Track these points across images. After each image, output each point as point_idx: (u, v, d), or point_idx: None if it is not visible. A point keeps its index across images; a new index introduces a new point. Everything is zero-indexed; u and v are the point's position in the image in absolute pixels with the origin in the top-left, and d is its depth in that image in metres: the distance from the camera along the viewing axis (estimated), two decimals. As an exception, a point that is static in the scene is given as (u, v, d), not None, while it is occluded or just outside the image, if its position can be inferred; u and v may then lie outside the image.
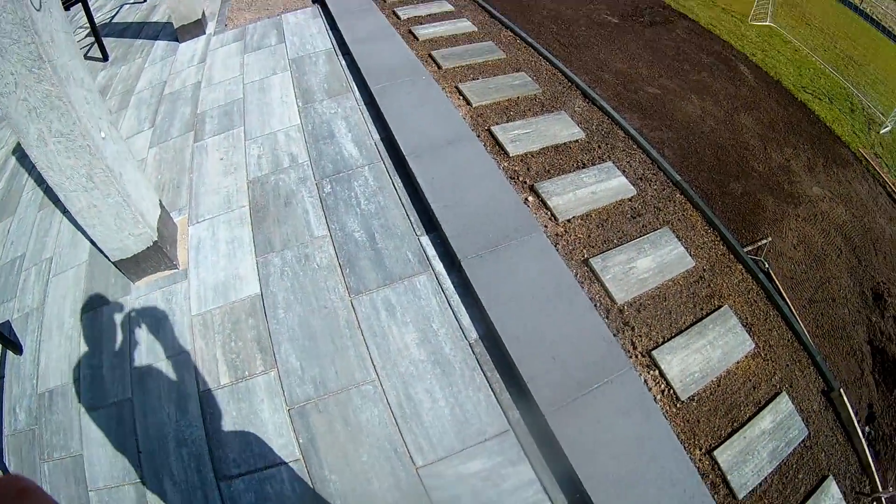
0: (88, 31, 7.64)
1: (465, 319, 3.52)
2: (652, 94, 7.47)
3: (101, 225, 3.53)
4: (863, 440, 3.73)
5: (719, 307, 3.94)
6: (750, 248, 5.20)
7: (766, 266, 5.04)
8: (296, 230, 4.20)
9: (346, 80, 5.58)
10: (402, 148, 4.53)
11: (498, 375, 3.27)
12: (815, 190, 6.75)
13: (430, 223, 4.10)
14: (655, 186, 4.81)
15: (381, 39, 6.17)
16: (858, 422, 3.93)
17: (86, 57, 7.66)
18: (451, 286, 3.71)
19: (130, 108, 6.20)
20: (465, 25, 7.40)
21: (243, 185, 4.66)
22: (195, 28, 7.25)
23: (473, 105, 5.55)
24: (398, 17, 7.65)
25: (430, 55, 6.53)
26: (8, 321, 4.10)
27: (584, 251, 4.18)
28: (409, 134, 4.68)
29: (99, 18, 9.30)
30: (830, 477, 3.46)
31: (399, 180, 4.50)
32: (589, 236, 4.29)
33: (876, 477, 3.63)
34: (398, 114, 4.91)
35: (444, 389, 3.19)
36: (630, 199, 4.60)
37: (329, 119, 5.11)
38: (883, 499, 3.57)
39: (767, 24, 11.78)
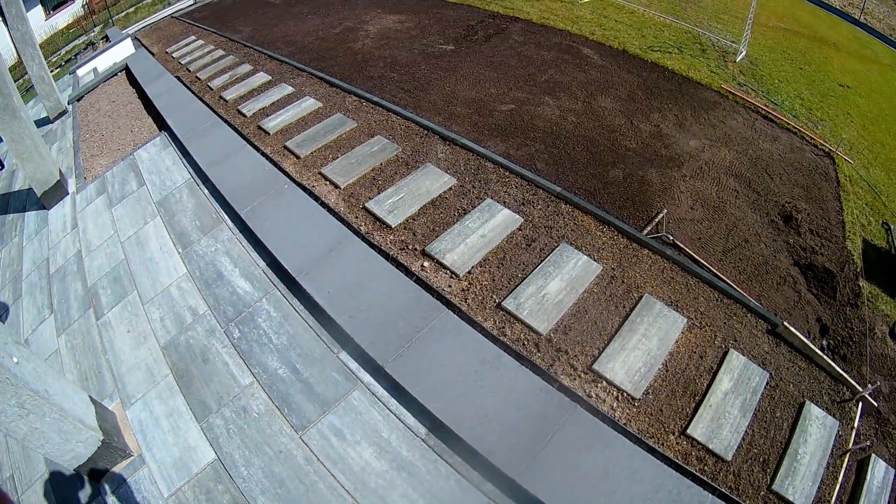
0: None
1: (409, 419, 3.84)
2: (507, 111, 7.56)
3: (48, 443, 3.69)
4: (824, 356, 4.04)
5: (640, 298, 4.20)
6: (649, 227, 5.14)
7: (671, 238, 5.03)
8: (224, 385, 4.42)
9: (214, 211, 5.88)
10: (289, 269, 4.86)
11: (459, 458, 3.57)
12: (692, 144, 6.85)
13: (343, 338, 4.36)
14: (539, 206, 5.05)
15: (234, 153, 6.48)
16: (813, 340, 4.32)
17: None
18: (385, 392, 4.00)
19: (25, 295, 6.28)
20: (309, 104, 7.69)
21: (158, 353, 4.88)
22: (57, 191, 7.34)
23: (342, 186, 5.83)
24: (244, 116, 7.84)
25: (285, 147, 6.80)
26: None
27: (494, 296, 4.41)
28: (292, 251, 5.01)
29: None
30: (807, 401, 3.76)
31: (299, 303, 4.81)
32: (493, 280, 4.53)
33: (851, 381, 3.94)
34: (274, 234, 5.24)
35: (417, 489, 3.49)
36: (520, 228, 4.86)
37: (212, 259, 5.41)
38: (866, 395, 3.84)
39: None
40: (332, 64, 9.45)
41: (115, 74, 10.80)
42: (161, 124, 8.13)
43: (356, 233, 5.11)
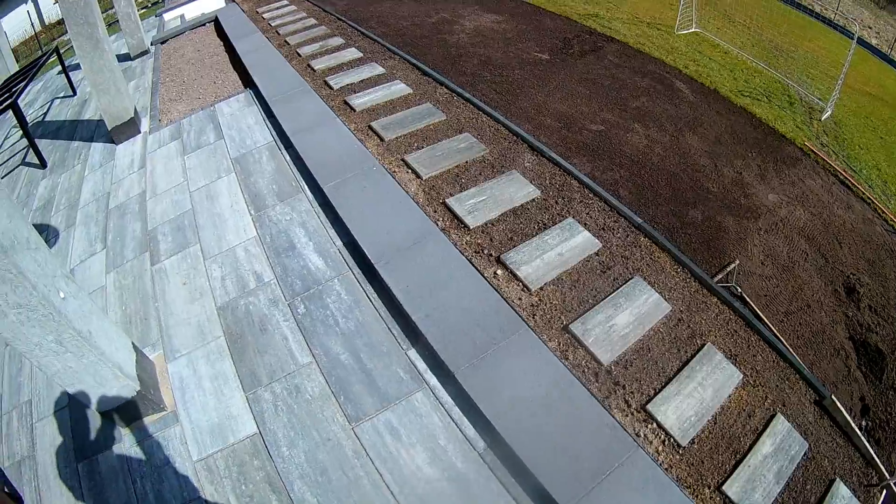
0: (22, 134, 7.34)
1: (470, 430, 3.53)
2: (596, 131, 7.31)
3: (80, 384, 3.43)
4: (861, 436, 3.84)
5: (702, 346, 4.00)
6: (720, 276, 5.08)
7: (739, 290, 4.94)
8: (279, 359, 4.10)
9: (294, 179, 5.56)
10: (368, 255, 4.53)
11: (513, 480, 3.30)
12: (770, 198, 6.66)
13: (415, 335, 4.06)
14: (619, 234, 4.76)
15: (321, 125, 6.18)
16: (854, 418, 4.08)
17: (23, 163, 7.55)
18: (450, 399, 3.70)
19: (78, 225, 6.04)
20: (399, 88, 7.36)
21: (213, 312, 4.56)
22: (129, 128, 7.09)
23: (424, 178, 5.49)
24: (331, 88, 7.55)
25: (370, 127, 6.46)
26: (2, 471, 3.89)
27: (563, 317, 4.16)
28: (372, 236, 4.69)
29: (30, 116, 9.01)
30: (838, 479, 3.59)
31: (373, 290, 4.47)
32: (564, 301, 4.28)
33: (881, 466, 3.75)
34: (356, 214, 4.92)
35: (464, 503, 3.21)
36: (597, 254, 4.57)
37: (286, 228, 5.08)
38: (892, 485, 3.69)
39: (694, 30, 11.69)
40: (426, 52, 9.20)
41: (204, 25, 10.61)
42: (246, 81, 7.86)
43: (439, 231, 4.77)
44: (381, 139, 6.20)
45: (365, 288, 4.50)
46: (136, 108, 7.39)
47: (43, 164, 7.51)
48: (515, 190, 5.20)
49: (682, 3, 11.38)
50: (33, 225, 5.69)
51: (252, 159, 5.97)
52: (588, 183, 5.30)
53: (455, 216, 4.99)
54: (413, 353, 4.01)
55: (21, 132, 7.48)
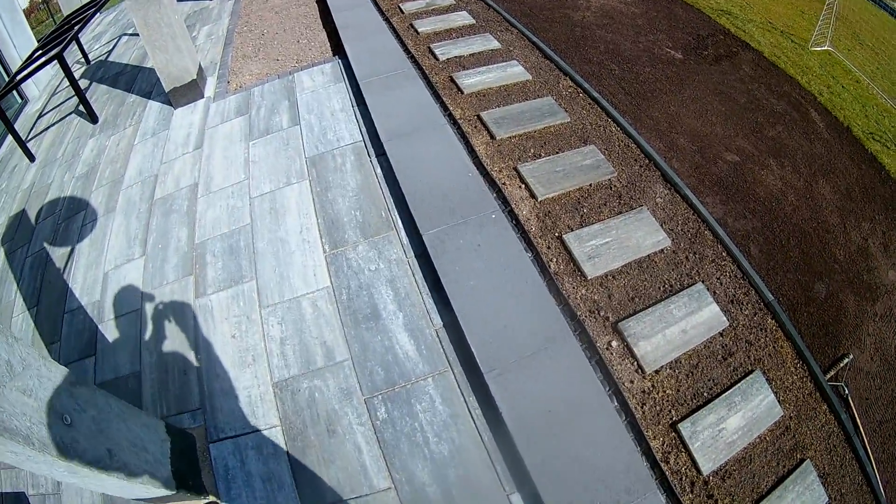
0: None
1: None
2: (730, 162, 6.28)
3: (103, 488, 2.62)
4: None
5: (801, 462, 3.57)
6: (831, 372, 4.37)
7: (846, 392, 4.31)
8: (349, 476, 3.10)
9: (385, 207, 4.25)
10: (476, 356, 3.31)
11: None
12: (890, 276, 5.70)
13: (523, 479, 3.02)
14: (747, 311, 4.10)
15: (424, 128, 4.85)
16: None
17: (76, 111, 6.82)
18: None
19: (118, 213, 5.04)
20: (517, 72, 6.08)
21: (268, 388, 3.49)
22: (190, 91, 5.83)
23: (539, 198, 4.45)
24: (435, 58, 6.33)
25: (479, 118, 5.29)
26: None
27: (673, 412, 3.56)
28: (484, 326, 3.45)
29: (97, 50, 8.34)
30: None
31: (476, 405, 3.28)
32: (678, 391, 3.65)
33: None
34: (465, 288, 3.64)
35: None
36: (721, 334, 3.89)
37: (369, 282, 3.84)
38: None
39: (827, 48, 10.52)
40: (546, 29, 7.89)
41: None
42: (336, 46, 6.48)
43: (543, 269, 3.85)
44: (492, 136, 5.08)
45: (468, 400, 3.32)
46: (200, 66, 6.08)
47: (94, 119, 6.50)
48: (644, 235, 4.29)
49: (822, 17, 10.56)
50: (72, 197, 5.40)
51: (332, 164, 4.64)
52: (722, 237, 4.54)
53: (572, 258, 4.08)
54: (516, 498, 3.03)
55: (71, 84, 6.26)
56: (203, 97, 5.98)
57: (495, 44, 6.78)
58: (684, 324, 3.81)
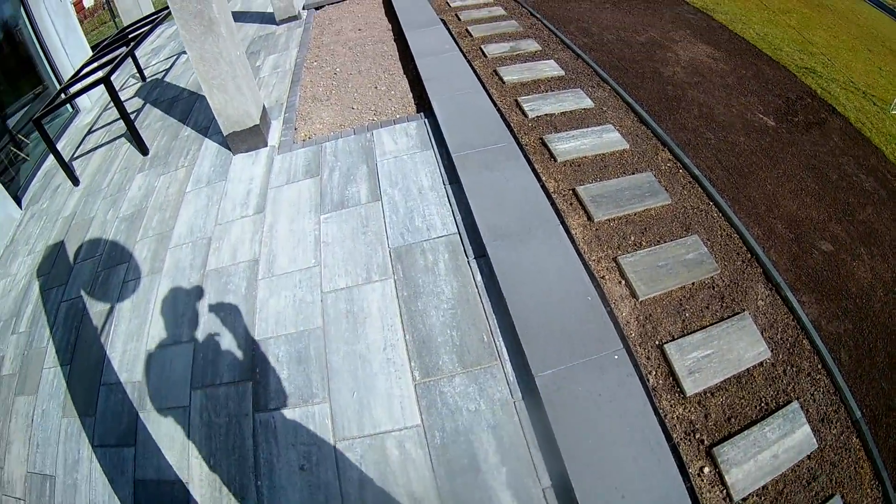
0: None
1: None
2: (825, 253, 5.95)
3: None
4: None
5: None
6: None
7: None
8: None
9: (487, 328, 3.59)
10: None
11: None
12: None
13: None
14: (835, 430, 3.87)
15: (534, 230, 4.09)
16: None
17: (125, 136, 6.32)
18: None
19: (165, 276, 4.49)
20: (613, 139, 5.57)
21: None
22: (252, 137, 5.19)
23: (641, 298, 4.00)
24: (524, 114, 5.90)
25: (575, 194, 4.87)
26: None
27: None
28: (600, 494, 2.83)
29: (154, 66, 7.97)
30: None
31: None
32: None
33: None
34: (581, 448, 2.99)
35: None
36: (809, 457, 3.64)
37: (468, 426, 3.17)
38: None
39: None
40: (638, 86, 7.44)
41: None
42: (420, 98, 5.76)
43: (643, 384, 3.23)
44: (590, 217, 4.64)
45: None
46: (265, 108, 5.42)
47: (144, 151, 5.98)
48: (746, 346, 3.89)
49: (903, 81, 9.86)
50: (114, 242, 5.04)
51: (422, 262, 3.95)
52: (819, 347, 4.21)
53: (671, 372, 3.68)
54: None
55: (119, 111, 5.70)
56: (266, 145, 5.34)
57: (588, 102, 6.23)
58: (776, 447, 3.58)
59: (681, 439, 3.45)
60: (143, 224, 5.07)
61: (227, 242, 4.49)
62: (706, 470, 3.40)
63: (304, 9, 8.58)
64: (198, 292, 4.18)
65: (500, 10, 8.51)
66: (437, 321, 3.62)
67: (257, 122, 5.21)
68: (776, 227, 5.87)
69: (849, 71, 11.35)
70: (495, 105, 5.58)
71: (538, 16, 8.19)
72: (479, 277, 3.83)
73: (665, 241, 4.49)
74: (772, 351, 4.03)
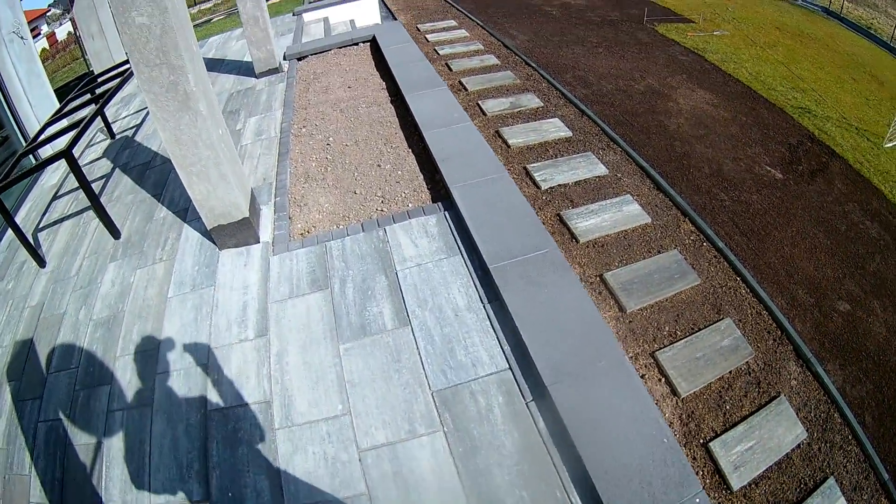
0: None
1: None
2: (843, 313, 5.99)
3: None
4: None
5: None
6: None
7: None
8: None
9: (559, 485, 3.05)
10: None
11: None
12: None
13: None
14: (865, 496, 3.89)
15: (599, 362, 3.52)
16: None
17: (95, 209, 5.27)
18: None
19: (157, 412, 3.75)
20: (633, 212, 5.31)
21: None
22: (240, 231, 4.50)
23: (682, 395, 3.84)
24: (536, 185, 5.62)
25: (603, 281, 4.58)
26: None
27: None
28: None
29: (124, 121, 7.24)
30: None
31: None
32: None
33: None
34: None
35: None
36: None
37: None
38: None
39: None
40: (646, 143, 7.31)
41: (356, 44, 7.77)
42: (433, 179, 5.13)
43: None
44: (622, 308, 4.37)
45: None
46: (253, 194, 4.65)
47: (114, 234, 5.27)
48: (784, 430, 3.87)
49: (896, 117, 10.52)
50: (90, 354, 4.30)
51: (474, 408, 3.38)
52: (849, 418, 4.20)
53: (718, 469, 3.58)
54: None
55: (83, 189, 4.93)
56: (258, 241, 4.62)
57: (601, 168, 5.86)
58: (817, 527, 3.36)
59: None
60: (122, 334, 4.29)
61: (228, 373, 3.77)
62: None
63: (284, 59, 7.81)
64: (202, 438, 3.49)
65: (492, 59, 8.04)
66: (503, 481, 3.05)
67: (246, 214, 4.48)
68: (797, 294, 5.82)
69: (840, 106, 11.65)
70: (508, 172, 5.04)
71: (533, 64, 7.75)
72: (541, 423, 3.27)
73: (699, 329, 4.32)
74: (807, 431, 4.04)
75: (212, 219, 4.47)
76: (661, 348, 4.07)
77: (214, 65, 9.27)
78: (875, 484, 3.94)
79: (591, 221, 5.12)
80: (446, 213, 4.61)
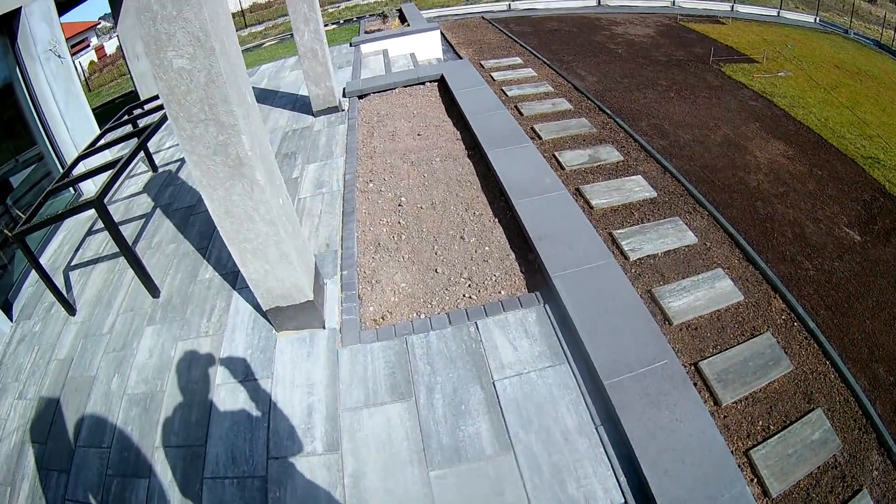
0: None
1: None
2: None
3: None
4: None
5: None
6: None
7: None
8: None
9: None
10: None
11: None
12: None
13: None
14: None
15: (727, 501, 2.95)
16: None
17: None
18: None
19: None
20: (726, 290, 5.01)
21: None
22: (302, 314, 3.93)
23: (773, 496, 3.57)
24: (625, 256, 5.27)
25: (698, 371, 4.28)
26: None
27: None
28: None
29: (167, 152, 7.05)
30: None
31: None
32: None
33: None
34: None
35: None
36: None
37: None
38: None
39: None
40: (729, 204, 6.88)
41: (423, 84, 7.16)
42: (525, 258, 4.54)
43: None
44: (717, 401, 4.06)
45: None
46: (317, 268, 4.04)
47: (153, 292, 4.77)
48: None
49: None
50: (123, 435, 3.82)
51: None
52: None
53: None
54: None
55: (118, 244, 4.43)
56: (324, 327, 3.98)
57: (690, 237, 5.48)
58: None
59: None
60: (161, 420, 3.76)
61: (293, 493, 3.16)
62: None
63: (344, 96, 7.18)
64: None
65: (564, 104, 7.57)
66: None
67: (310, 297, 3.85)
68: (878, 373, 5.48)
69: (901, 148, 11.43)
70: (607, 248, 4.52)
71: (607, 111, 7.27)
72: None
73: (792, 422, 4.12)
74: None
75: (269, 300, 3.86)
76: (754, 446, 3.87)
77: (266, 96, 8.67)
78: None
79: (684, 300, 4.76)
80: (546, 305, 3.98)
